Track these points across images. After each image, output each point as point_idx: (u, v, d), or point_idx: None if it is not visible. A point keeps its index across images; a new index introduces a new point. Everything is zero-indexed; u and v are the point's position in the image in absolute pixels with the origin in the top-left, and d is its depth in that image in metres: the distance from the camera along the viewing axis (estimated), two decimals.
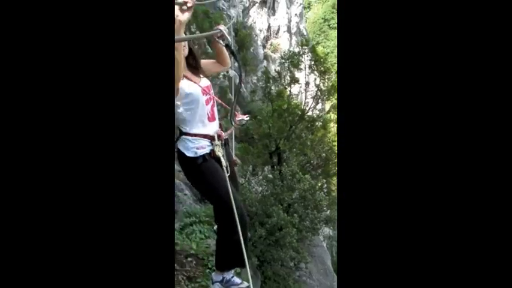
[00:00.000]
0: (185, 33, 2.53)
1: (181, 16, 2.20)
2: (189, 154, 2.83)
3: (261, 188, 9.40)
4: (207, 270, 5.38)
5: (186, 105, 2.76)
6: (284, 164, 9.38)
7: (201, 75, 2.95)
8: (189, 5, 2.19)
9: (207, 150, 2.85)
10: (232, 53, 2.92)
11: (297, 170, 8.84)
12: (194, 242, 5.76)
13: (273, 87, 11.20)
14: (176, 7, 2.18)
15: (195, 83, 2.81)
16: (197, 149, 2.82)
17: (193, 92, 2.76)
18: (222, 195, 2.74)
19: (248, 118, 3.36)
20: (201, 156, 2.82)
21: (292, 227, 7.76)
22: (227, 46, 2.88)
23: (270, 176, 9.37)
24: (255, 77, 17.39)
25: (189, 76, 2.81)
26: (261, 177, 10.07)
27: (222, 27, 2.79)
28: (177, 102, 2.71)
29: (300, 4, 28.58)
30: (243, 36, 18.04)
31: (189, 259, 5.53)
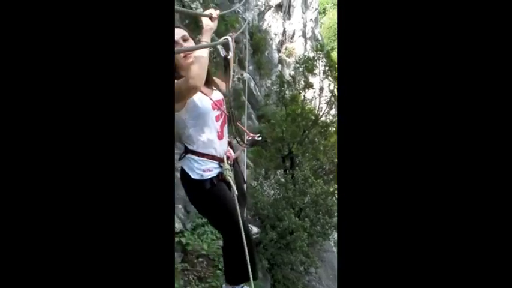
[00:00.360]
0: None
1: (212, 24, 2.50)
2: (194, 176, 2.57)
3: (273, 192, 9.40)
4: (218, 271, 5.43)
5: (194, 119, 2.52)
6: (297, 168, 9.38)
7: (214, 88, 2.75)
8: (214, 16, 2.49)
9: (214, 174, 2.60)
10: (225, 66, 2.72)
11: (309, 174, 8.83)
12: (206, 242, 5.80)
13: (287, 92, 11.19)
14: (204, 18, 2.47)
15: (205, 95, 2.59)
16: (203, 171, 2.57)
17: (203, 105, 2.53)
18: (232, 224, 2.54)
19: (260, 138, 3.12)
20: (208, 180, 2.57)
21: (303, 231, 7.75)
22: (225, 58, 2.69)
23: (282, 180, 9.37)
24: (269, 81, 17.37)
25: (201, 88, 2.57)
26: (273, 180, 10.07)
27: (229, 36, 2.66)
28: (184, 116, 2.49)
29: (315, 9, 28.52)
30: (258, 40, 18.03)
31: (200, 259, 5.58)
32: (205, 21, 2.49)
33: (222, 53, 2.39)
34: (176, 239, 5.40)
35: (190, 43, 2.51)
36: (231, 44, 2.64)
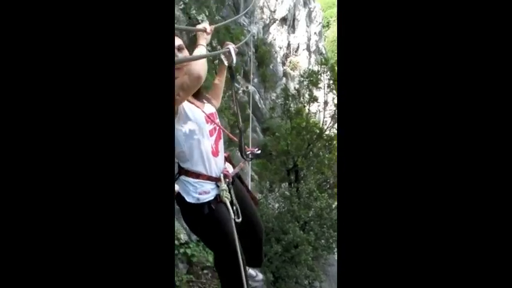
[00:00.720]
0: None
1: (208, 37, 2.43)
2: (189, 200, 2.38)
3: (277, 205, 9.39)
4: None
5: (186, 134, 2.30)
6: (301, 181, 9.38)
7: (204, 100, 2.53)
8: (208, 31, 2.41)
9: (211, 196, 2.40)
10: (232, 75, 2.66)
11: (314, 188, 8.81)
12: (211, 254, 5.78)
13: (292, 105, 11.24)
14: (199, 34, 2.40)
15: (198, 107, 2.39)
16: (199, 194, 2.37)
17: (194, 118, 2.32)
18: (229, 250, 2.33)
19: (260, 151, 2.93)
20: (205, 203, 2.38)
21: (308, 244, 7.72)
22: (229, 68, 2.61)
23: (287, 193, 9.35)
24: (274, 94, 17.45)
25: (191, 99, 2.39)
26: (277, 193, 10.06)
27: (231, 46, 2.56)
28: (177, 127, 2.28)
29: (320, 23, 28.73)
30: (262, 53, 18.15)
31: (205, 271, 5.56)
32: (199, 38, 2.40)
33: (226, 62, 2.30)
34: (181, 250, 5.37)
35: (185, 53, 2.34)
36: (234, 53, 2.54)
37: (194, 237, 6.10)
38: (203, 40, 2.38)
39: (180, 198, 2.40)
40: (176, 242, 5.30)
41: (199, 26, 2.45)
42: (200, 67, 2.10)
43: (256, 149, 2.90)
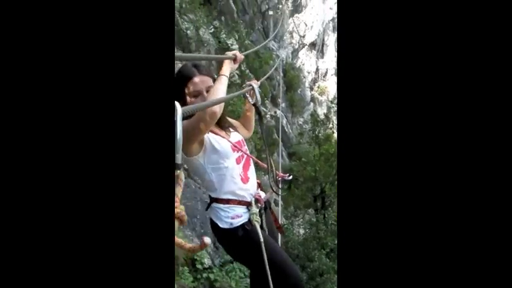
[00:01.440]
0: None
1: (235, 65, 2.36)
2: (223, 226, 2.32)
3: (303, 231, 9.29)
4: None
5: (212, 163, 2.28)
6: (329, 208, 9.27)
7: (231, 129, 2.49)
8: (238, 58, 2.36)
9: (244, 219, 2.34)
10: (259, 113, 2.57)
11: None
12: (233, 280, 5.74)
13: (321, 131, 11.20)
14: (226, 61, 2.32)
15: (223, 137, 2.34)
16: (232, 218, 2.32)
17: (220, 147, 2.28)
18: (264, 270, 2.21)
19: (291, 177, 2.88)
20: (239, 227, 2.31)
21: (333, 273, 7.57)
22: (255, 105, 2.52)
23: (314, 219, 9.25)
24: (301, 119, 17.47)
25: (215, 130, 2.34)
26: (302, 220, 9.97)
27: (254, 83, 2.48)
28: (202, 161, 2.27)
29: None
30: (291, 78, 18.29)
31: None
32: (225, 64, 2.31)
33: (250, 100, 2.21)
34: (204, 275, 5.33)
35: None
36: (258, 91, 2.45)
37: (217, 261, 6.06)
38: (227, 69, 2.28)
39: (213, 225, 2.37)
40: (199, 266, 5.27)
41: (228, 53, 2.35)
42: (219, 110, 2.06)
43: (288, 175, 2.84)
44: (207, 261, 5.55)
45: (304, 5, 22.80)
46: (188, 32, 10.50)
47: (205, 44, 11.20)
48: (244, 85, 2.54)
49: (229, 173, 2.31)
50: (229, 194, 2.33)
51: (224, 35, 12.73)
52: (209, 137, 2.25)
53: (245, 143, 2.53)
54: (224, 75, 2.22)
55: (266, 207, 2.54)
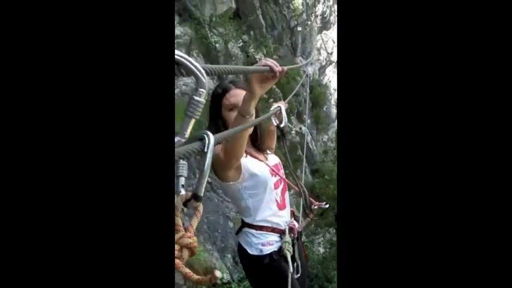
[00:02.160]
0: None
1: (259, 95, 1.81)
2: (252, 252, 2.22)
3: (323, 250, 9.15)
4: None
5: (250, 189, 2.19)
6: None
7: (268, 151, 2.44)
8: (277, 74, 1.74)
9: (275, 248, 2.23)
10: (282, 134, 2.46)
11: None
12: None
13: None
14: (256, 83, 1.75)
15: (261, 161, 2.28)
16: (263, 245, 2.22)
17: (260, 172, 2.21)
18: None
19: (328, 206, 2.64)
20: (268, 255, 2.21)
21: None
22: (278, 127, 2.42)
23: (334, 239, 9.10)
24: (326, 136, 17.36)
25: (254, 153, 2.29)
26: (322, 238, 9.84)
27: (282, 105, 2.39)
28: (240, 186, 2.18)
29: None
30: (317, 94, 18.21)
31: None
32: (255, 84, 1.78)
33: (275, 122, 2.07)
34: None
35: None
36: (285, 113, 2.36)
37: (236, 276, 6.01)
38: (253, 104, 1.79)
39: (242, 251, 2.28)
40: (218, 281, 5.23)
41: (263, 62, 1.72)
42: (239, 148, 1.90)
43: (324, 203, 2.62)
44: (226, 276, 5.52)
45: (333, 22, 22.75)
46: (217, 45, 10.59)
47: (234, 58, 11.27)
48: (272, 107, 2.39)
49: (266, 199, 2.24)
50: (264, 220, 2.23)
51: (252, 49, 12.78)
52: (246, 161, 2.16)
53: (282, 166, 2.44)
54: (247, 116, 1.78)
55: (298, 238, 2.41)
